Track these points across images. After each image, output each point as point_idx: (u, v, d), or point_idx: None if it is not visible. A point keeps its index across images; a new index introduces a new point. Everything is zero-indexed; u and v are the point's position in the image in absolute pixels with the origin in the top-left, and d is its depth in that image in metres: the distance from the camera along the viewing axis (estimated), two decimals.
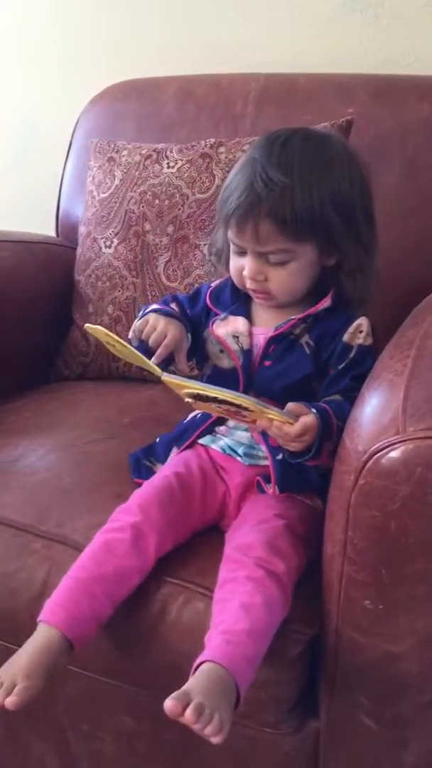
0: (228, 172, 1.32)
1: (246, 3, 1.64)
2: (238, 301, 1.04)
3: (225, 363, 1.02)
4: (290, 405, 0.86)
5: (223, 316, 1.03)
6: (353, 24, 1.55)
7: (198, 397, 0.86)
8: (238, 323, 1.02)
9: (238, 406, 0.84)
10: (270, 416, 0.84)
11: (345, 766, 0.92)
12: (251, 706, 0.86)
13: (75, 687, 1.01)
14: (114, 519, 0.93)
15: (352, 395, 0.87)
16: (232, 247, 0.99)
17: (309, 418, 0.85)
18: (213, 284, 1.08)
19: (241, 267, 0.97)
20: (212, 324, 1.03)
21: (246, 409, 0.84)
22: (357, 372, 0.94)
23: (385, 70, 1.50)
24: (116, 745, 1.03)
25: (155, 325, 0.97)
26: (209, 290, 1.07)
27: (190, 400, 0.88)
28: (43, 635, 0.83)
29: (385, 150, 1.35)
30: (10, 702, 0.76)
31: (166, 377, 0.86)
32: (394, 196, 1.31)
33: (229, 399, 0.83)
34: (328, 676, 0.86)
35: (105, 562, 0.87)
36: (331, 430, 0.86)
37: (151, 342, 0.96)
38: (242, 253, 0.97)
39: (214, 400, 0.84)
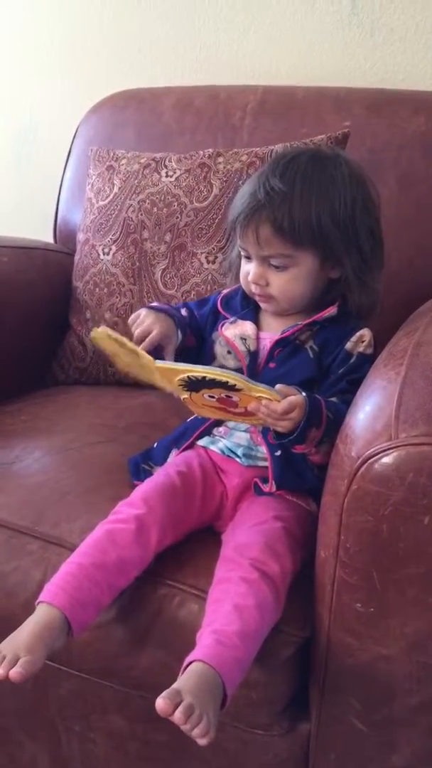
0: (225, 181, 1.36)
1: (246, 16, 1.66)
2: (247, 307, 1.08)
3: (231, 363, 1.05)
4: (279, 386, 0.88)
5: (232, 319, 1.08)
6: (351, 38, 1.57)
7: (191, 386, 0.88)
8: (246, 327, 1.06)
9: (225, 386, 0.86)
10: (257, 394, 0.86)
11: None
12: (243, 707, 0.88)
13: (67, 688, 1.02)
14: (117, 511, 0.94)
15: (347, 397, 0.90)
16: (241, 253, 1.04)
17: (295, 396, 0.88)
18: (224, 291, 1.13)
19: (247, 272, 1.03)
20: (221, 326, 1.07)
21: (233, 388, 0.86)
22: (353, 377, 0.97)
23: (381, 85, 1.53)
24: (108, 746, 1.04)
25: (144, 319, 1.03)
26: (220, 296, 1.12)
27: (185, 396, 0.91)
28: (44, 613, 0.83)
29: (381, 163, 1.37)
30: (14, 673, 0.76)
31: (158, 363, 0.89)
32: (390, 208, 1.32)
33: (217, 378, 0.85)
34: (319, 678, 0.87)
35: (108, 551, 0.89)
36: (319, 417, 0.89)
37: (136, 333, 1.02)
38: (249, 258, 1.02)
39: (203, 381, 0.86)
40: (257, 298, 1.04)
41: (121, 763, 1.04)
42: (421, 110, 1.39)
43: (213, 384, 0.87)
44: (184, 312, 1.11)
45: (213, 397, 0.90)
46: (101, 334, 0.95)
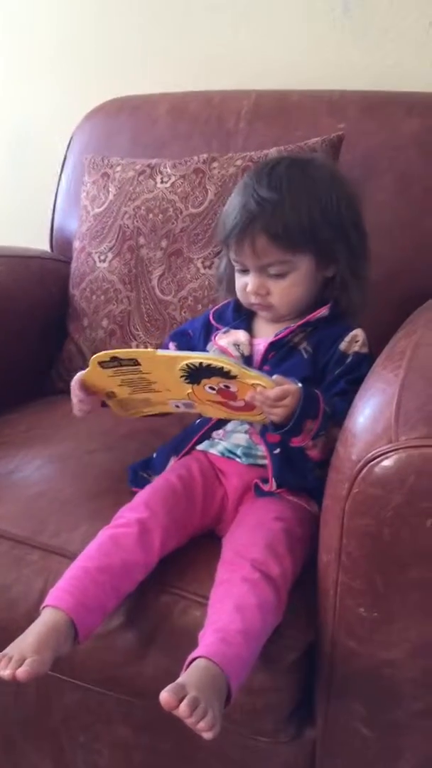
0: (221, 187, 1.35)
1: (238, 20, 1.65)
2: (239, 318, 1.09)
3: None
4: (276, 376, 0.90)
5: (224, 329, 1.09)
6: (344, 40, 1.57)
7: (191, 377, 0.90)
8: (239, 335, 1.07)
9: (222, 373, 0.87)
10: (252, 381, 0.88)
11: None
12: (247, 713, 0.87)
13: (71, 698, 1.01)
14: (119, 516, 0.94)
15: (348, 397, 0.90)
16: (235, 266, 1.05)
17: (290, 385, 0.89)
18: (216, 307, 1.15)
19: (245, 284, 1.04)
20: (215, 337, 1.09)
21: (228, 375, 0.87)
22: (352, 377, 0.98)
23: (375, 86, 1.52)
24: (113, 756, 1.03)
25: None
26: (212, 311, 1.14)
27: (189, 390, 0.93)
28: (50, 617, 0.83)
29: (377, 164, 1.37)
30: (21, 672, 0.75)
31: (159, 353, 0.91)
32: (387, 209, 1.32)
33: (213, 364, 0.87)
34: (324, 683, 0.87)
35: (112, 554, 0.88)
36: (316, 409, 0.90)
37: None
38: (245, 271, 1.03)
39: (201, 369, 0.89)
40: (256, 308, 1.06)
41: None
42: (416, 111, 1.39)
43: (211, 372, 0.89)
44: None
45: (213, 389, 0.91)
46: (91, 371, 0.96)
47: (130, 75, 1.79)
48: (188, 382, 0.92)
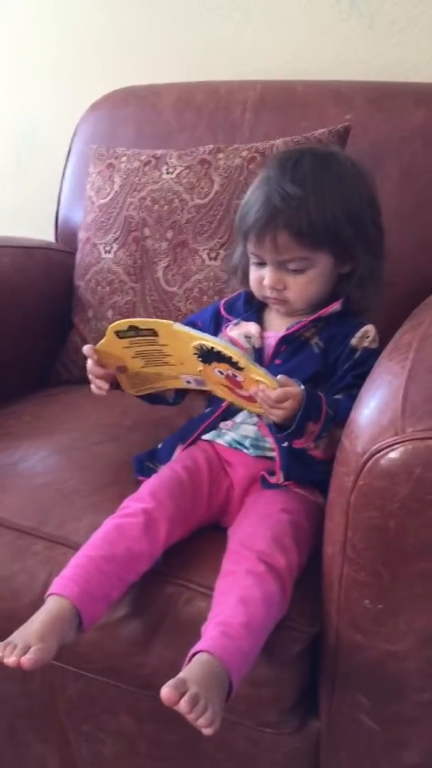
0: (227, 178, 1.35)
1: (244, 11, 1.65)
2: (250, 310, 1.09)
3: None
4: (281, 376, 0.89)
5: (236, 321, 1.09)
6: (351, 31, 1.56)
7: (203, 356, 0.91)
8: (250, 327, 1.07)
9: (230, 362, 0.88)
10: (257, 377, 0.88)
11: (346, 766, 0.93)
12: (252, 705, 0.87)
13: (75, 688, 1.01)
14: (125, 506, 0.94)
15: (353, 392, 0.90)
16: (252, 259, 1.05)
17: (292, 387, 0.89)
18: (226, 298, 1.15)
19: (261, 278, 1.03)
20: (225, 328, 1.09)
21: (236, 366, 0.88)
22: (359, 371, 0.98)
23: (382, 77, 1.52)
24: (117, 746, 1.03)
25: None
26: (223, 302, 1.13)
27: (200, 368, 0.94)
28: (54, 604, 0.83)
29: (383, 155, 1.36)
30: (26, 660, 0.75)
31: (176, 327, 0.91)
32: (392, 201, 1.31)
33: (223, 351, 0.87)
34: (328, 675, 0.87)
35: (117, 543, 0.88)
36: (318, 412, 0.90)
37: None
38: (262, 264, 1.03)
39: (212, 352, 0.89)
40: (271, 302, 1.05)
41: (131, 764, 1.04)
42: (423, 102, 1.38)
43: (220, 358, 0.89)
44: None
45: (222, 373, 0.91)
46: (107, 340, 0.96)
47: (134, 68, 1.79)
48: (200, 361, 0.92)
